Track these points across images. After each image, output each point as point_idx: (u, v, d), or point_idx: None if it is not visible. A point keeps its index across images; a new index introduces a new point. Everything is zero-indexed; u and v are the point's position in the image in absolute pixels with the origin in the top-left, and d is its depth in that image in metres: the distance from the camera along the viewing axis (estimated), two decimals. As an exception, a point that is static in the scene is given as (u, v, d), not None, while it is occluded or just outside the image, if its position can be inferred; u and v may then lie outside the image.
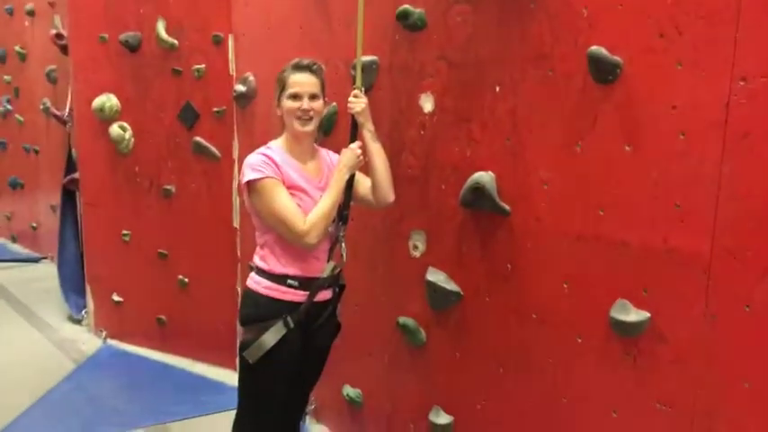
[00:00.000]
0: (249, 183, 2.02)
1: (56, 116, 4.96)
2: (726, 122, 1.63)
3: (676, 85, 1.71)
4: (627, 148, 1.83)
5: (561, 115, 1.97)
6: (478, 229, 2.25)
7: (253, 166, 2.03)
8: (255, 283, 2.09)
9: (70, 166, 4.64)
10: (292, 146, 2.12)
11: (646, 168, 1.79)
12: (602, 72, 1.84)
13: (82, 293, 4.53)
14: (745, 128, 1.60)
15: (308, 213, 2.02)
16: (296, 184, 2.05)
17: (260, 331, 2.01)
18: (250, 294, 2.10)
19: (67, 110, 4.67)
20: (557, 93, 1.98)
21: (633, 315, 1.84)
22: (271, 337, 2.00)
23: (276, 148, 2.11)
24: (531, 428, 2.18)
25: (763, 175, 1.58)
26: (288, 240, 2.04)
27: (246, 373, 2.10)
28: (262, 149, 2.09)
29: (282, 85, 2.09)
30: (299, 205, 2.03)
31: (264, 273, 2.07)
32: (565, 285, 2.02)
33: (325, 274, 2.11)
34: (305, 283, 2.07)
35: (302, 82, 2.07)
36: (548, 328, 2.09)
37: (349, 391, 2.90)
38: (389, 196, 2.24)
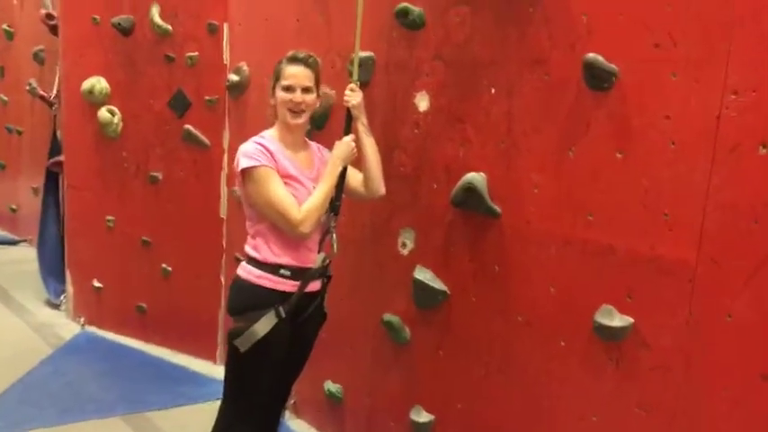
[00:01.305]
0: (244, 171, 2.02)
1: (42, 97, 4.90)
2: (716, 134, 1.66)
3: (670, 95, 1.74)
4: (618, 155, 1.85)
5: (555, 120, 2.00)
6: (468, 230, 2.27)
7: (248, 154, 2.03)
8: (247, 272, 2.09)
9: (54, 148, 4.58)
10: (285, 136, 2.14)
11: (636, 176, 1.82)
12: (598, 79, 1.86)
13: (61, 278, 4.48)
14: (734, 140, 1.63)
15: (302, 203, 2.04)
16: (290, 173, 2.06)
17: (252, 320, 2.02)
18: (241, 283, 2.10)
19: (54, 91, 4.61)
20: (552, 98, 2.00)
21: (617, 320, 1.87)
22: (262, 326, 2.01)
23: (269, 137, 2.12)
24: (511, 430, 2.20)
25: (750, 186, 1.61)
26: (281, 229, 2.04)
27: (235, 361, 2.10)
28: (256, 138, 2.10)
29: (277, 76, 2.11)
30: (292, 194, 2.03)
31: (257, 262, 2.07)
32: (551, 289, 2.04)
33: (317, 264, 2.12)
34: (297, 272, 2.08)
35: (296, 74, 2.08)
36: (532, 330, 2.11)
37: (330, 386, 2.90)
38: (381, 189, 2.27)
